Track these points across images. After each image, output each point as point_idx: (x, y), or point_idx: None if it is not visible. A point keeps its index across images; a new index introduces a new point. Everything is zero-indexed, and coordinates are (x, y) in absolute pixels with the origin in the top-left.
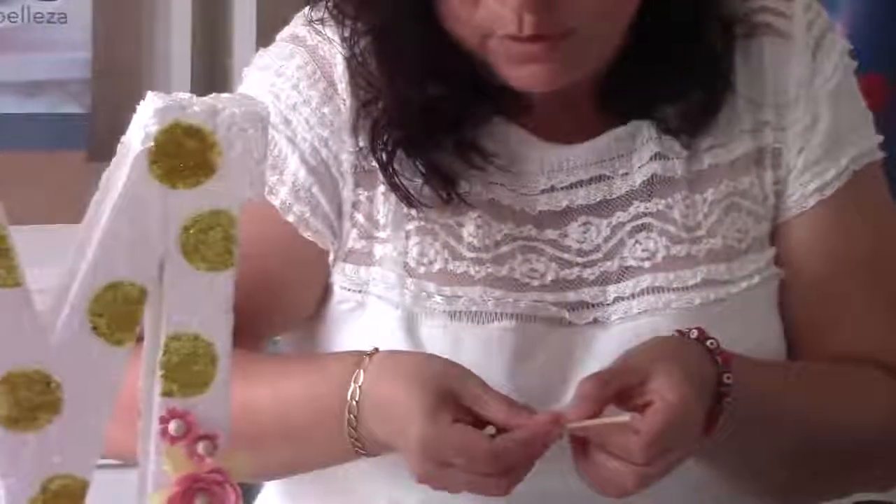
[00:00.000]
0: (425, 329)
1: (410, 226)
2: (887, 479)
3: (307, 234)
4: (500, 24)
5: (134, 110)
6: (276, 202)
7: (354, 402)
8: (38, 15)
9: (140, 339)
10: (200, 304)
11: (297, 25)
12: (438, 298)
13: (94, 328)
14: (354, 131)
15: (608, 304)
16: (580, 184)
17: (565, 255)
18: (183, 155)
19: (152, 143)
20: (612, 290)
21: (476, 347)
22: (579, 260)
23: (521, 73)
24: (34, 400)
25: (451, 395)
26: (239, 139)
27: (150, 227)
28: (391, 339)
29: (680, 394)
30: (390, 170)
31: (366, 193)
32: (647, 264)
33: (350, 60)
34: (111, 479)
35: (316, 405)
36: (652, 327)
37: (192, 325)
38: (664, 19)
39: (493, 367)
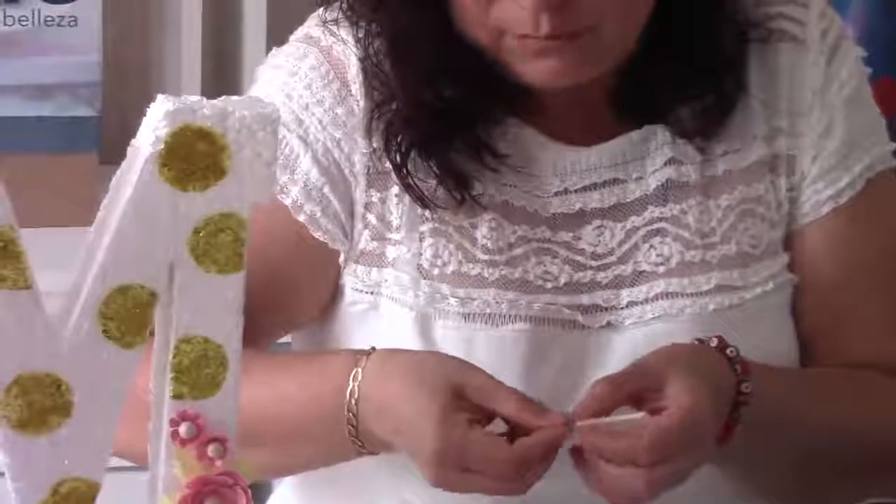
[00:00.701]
0: (439, 331)
1: (424, 227)
2: None
3: (318, 234)
4: (516, 24)
5: (144, 113)
6: (287, 201)
7: (353, 401)
8: (49, 18)
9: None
10: (210, 307)
11: (311, 26)
12: (452, 300)
13: (105, 331)
14: (368, 132)
15: (622, 308)
16: (594, 187)
17: (579, 258)
18: (193, 158)
19: (162, 146)
20: (626, 294)
21: (490, 349)
22: (593, 263)
23: (537, 66)
24: (44, 403)
25: (457, 392)
26: (249, 142)
27: (160, 229)
28: (405, 340)
29: (694, 398)
30: (404, 171)
31: (378, 195)
32: (661, 269)
33: (364, 61)
34: (121, 481)
35: (316, 404)
36: (666, 332)
37: (203, 327)
38: (679, 22)
39: (507, 369)
